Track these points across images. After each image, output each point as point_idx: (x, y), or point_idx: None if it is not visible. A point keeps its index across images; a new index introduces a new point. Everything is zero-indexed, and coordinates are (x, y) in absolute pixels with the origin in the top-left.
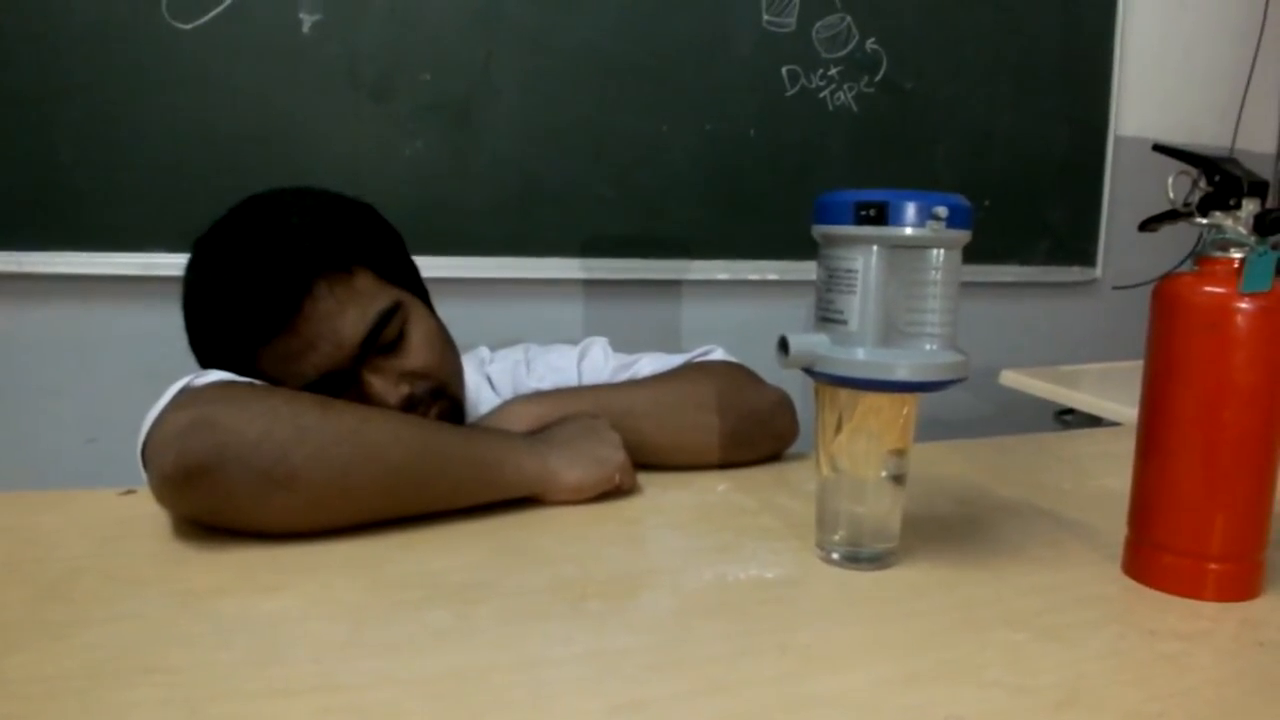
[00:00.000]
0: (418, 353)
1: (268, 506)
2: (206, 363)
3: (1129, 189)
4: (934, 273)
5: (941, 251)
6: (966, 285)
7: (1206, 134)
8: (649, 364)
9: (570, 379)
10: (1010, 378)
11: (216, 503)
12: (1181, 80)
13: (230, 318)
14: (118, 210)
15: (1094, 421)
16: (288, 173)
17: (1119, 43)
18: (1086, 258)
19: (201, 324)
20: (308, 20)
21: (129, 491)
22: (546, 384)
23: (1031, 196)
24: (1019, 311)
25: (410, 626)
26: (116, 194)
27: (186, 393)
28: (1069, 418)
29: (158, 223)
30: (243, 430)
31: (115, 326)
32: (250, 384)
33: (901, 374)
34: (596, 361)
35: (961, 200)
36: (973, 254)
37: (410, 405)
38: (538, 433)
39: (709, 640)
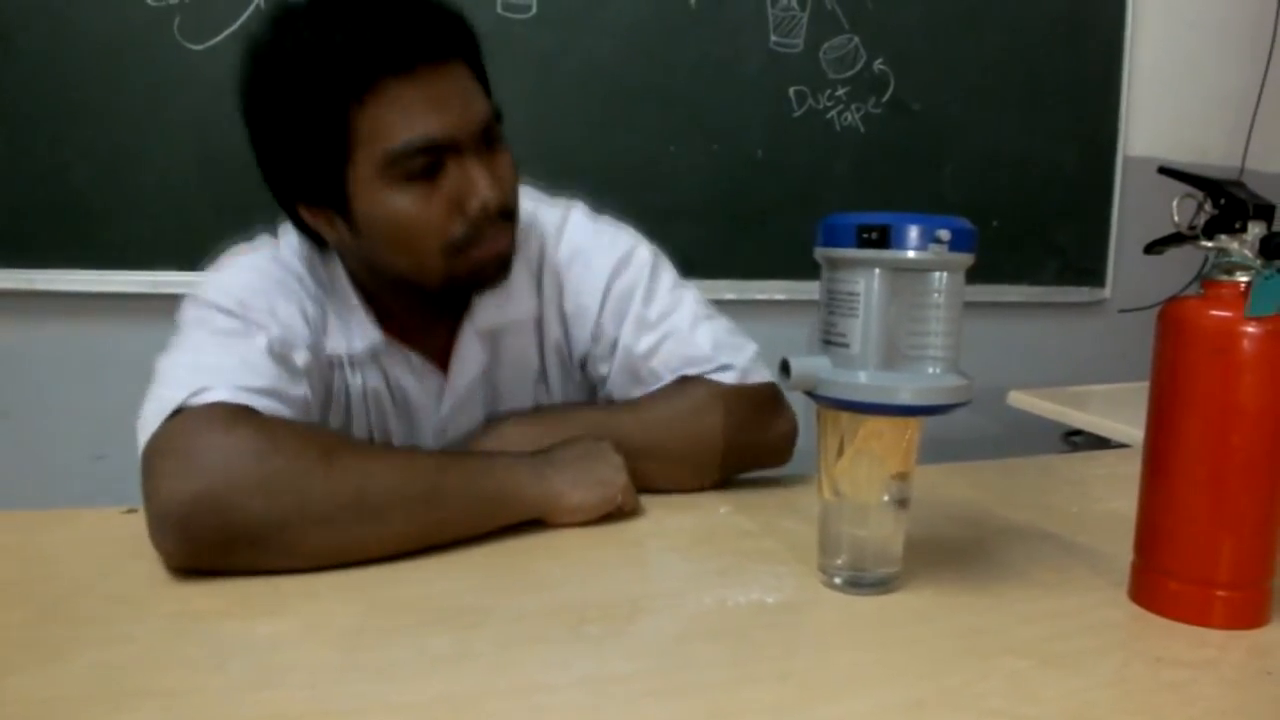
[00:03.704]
0: (509, 168)
1: (270, 567)
2: (294, 106)
3: (1138, 209)
4: (936, 295)
5: (944, 274)
6: (975, 305)
7: (1216, 154)
8: (678, 350)
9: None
10: (1018, 398)
11: (219, 566)
12: (1190, 100)
13: (370, 33)
14: (127, 228)
15: (1102, 443)
16: None
17: (1127, 62)
18: (1095, 278)
19: (319, 48)
20: None
21: (131, 510)
22: (640, 343)
23: (1040, 217)
24: (1027, 332)
25: (406, 651)
26: (126, 212)
27: (184, 431)
28: (1077, 439)
29: (166, 241)
30: (245, 507)
31: (124, 344)
32: (248, 410)
33: (904, 397)
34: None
35: (964, 223)
36: (981, 274)
37: (502, 215)
38: (540, 453)
39: (708, 666)
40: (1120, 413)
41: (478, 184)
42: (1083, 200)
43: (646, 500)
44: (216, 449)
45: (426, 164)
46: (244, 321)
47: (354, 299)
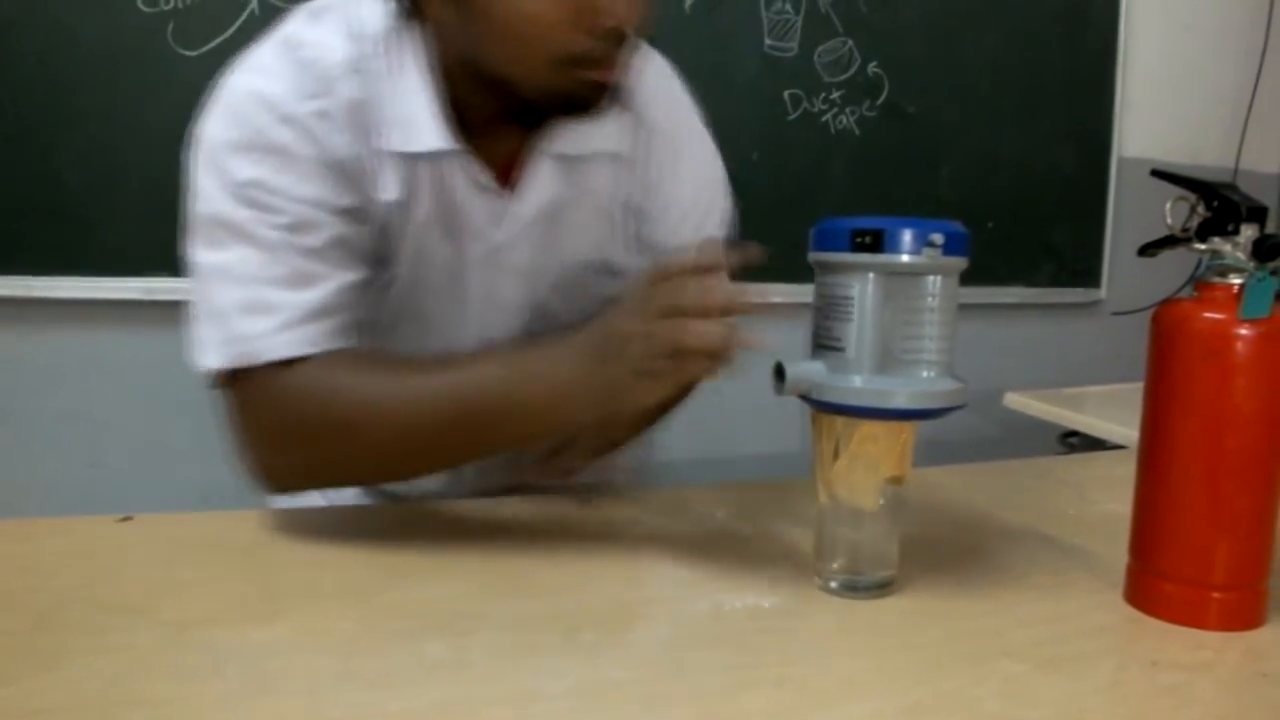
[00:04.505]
0: None
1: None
2: None
3: (1133, 210)
4: (930, 300)
5: (938, 278)
6: (970, 306)
7: (1210, 155)
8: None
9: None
10: (1014, 400)
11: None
12: (1184, 101)
13: None
14: (122, 235)
15: (1098, 444)
16: None
17: (1121, 64)
18: (1091, 279)
19: None
20: None
21: (126, 519)
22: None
23: (1035, 218)
24: (1023, 333)
25: (402, 658)
26: (121, 219)
27: (264, 396)
28: (1073, 440)
29: (162, 247)
30: (315, 469)
31: (119, 351)
32: (310, 363)
33: (899, 402)
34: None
35: (958, 227)
36: (977, 275)
37: (630, 40)
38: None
39: (703, 673)
40: (1116, 414)
41: (624, 7)
42: (1078, 202)
43: (642, 505)
44: (293, 399)
45: None
46: (264, 211)
47: (425, 94)
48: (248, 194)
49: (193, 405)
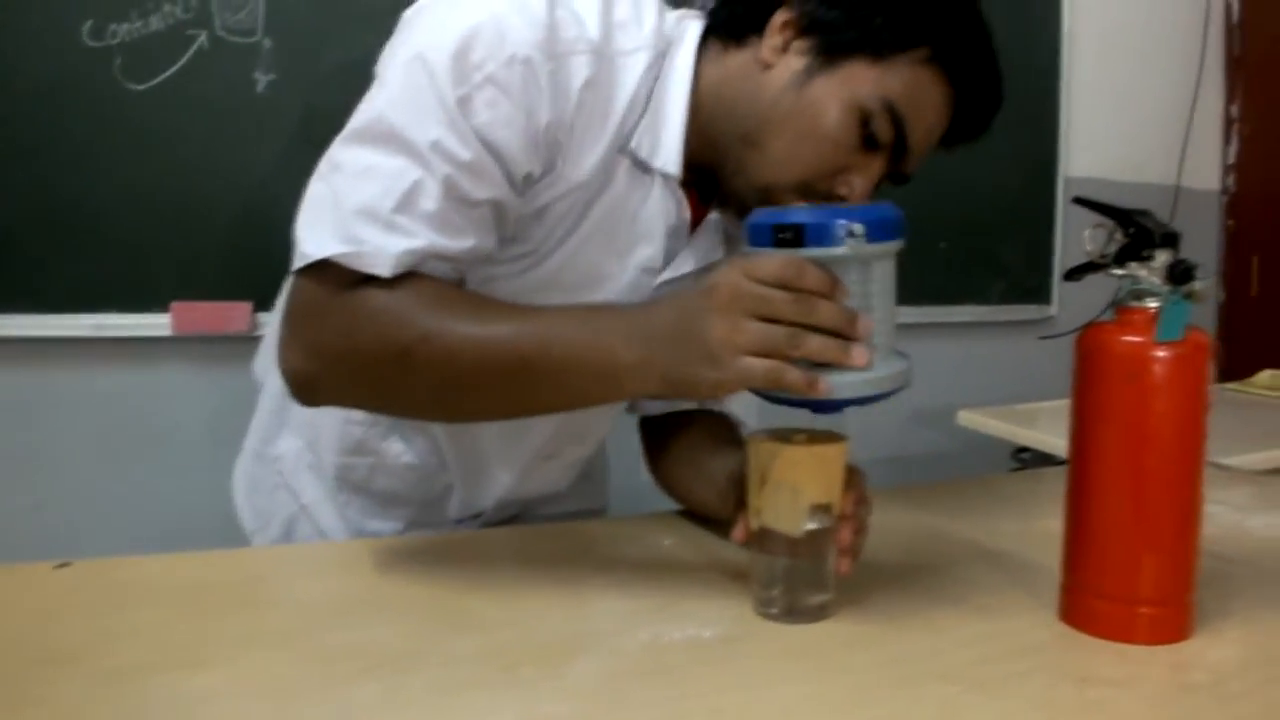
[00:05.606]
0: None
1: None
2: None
3: (1081, 228)
4: (859, 287)
5: (869, 265)
6: (924, 326)
7: (1153, 172)
8: None
9: None
10: (967, 418)
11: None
12: (1126, 121)
13: (979, 77)
14: (68, 272)
15: (1050, 459)
16: (243, 231)
17: (1064, 85)
18: (1041, 296)
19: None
20: (262, 80)
21: (63, 564)
22: None
23: (986, 238)
24: (976, 351)
25: (338, 702)
26: (67, 255)
27: (340, 299)
28: (1025, 455)
29: (109, 284)
30: (358, 390)
31: (65, 389)
32: (397, 285)
33: (843, 393)
34: None
35: (887, 209)
36: (929, 295)
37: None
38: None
39: (641, 706)
40: (1066, 429)
41: (861, 188)
42: (1027, 221)
43: (592, 533)
44: (362, 342)
45: (878, 133)
46: (452, 137)
47: (680, 112)
48: (446, 114)
49: (139, 446)
